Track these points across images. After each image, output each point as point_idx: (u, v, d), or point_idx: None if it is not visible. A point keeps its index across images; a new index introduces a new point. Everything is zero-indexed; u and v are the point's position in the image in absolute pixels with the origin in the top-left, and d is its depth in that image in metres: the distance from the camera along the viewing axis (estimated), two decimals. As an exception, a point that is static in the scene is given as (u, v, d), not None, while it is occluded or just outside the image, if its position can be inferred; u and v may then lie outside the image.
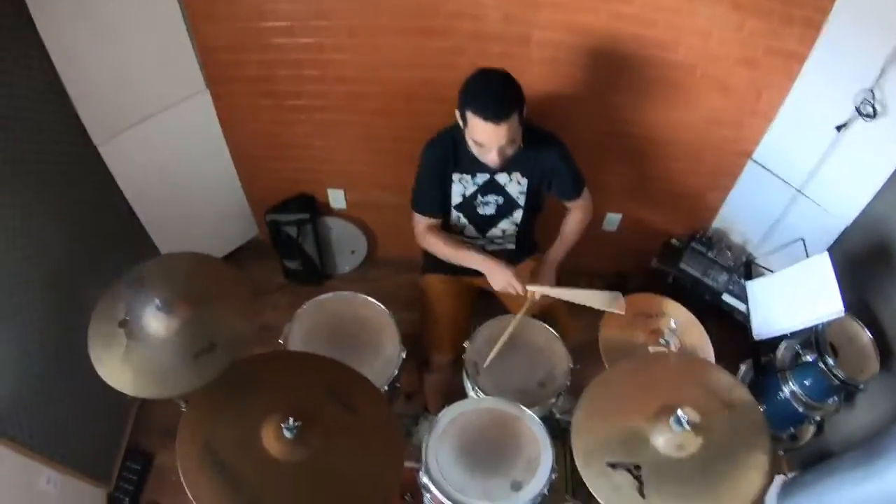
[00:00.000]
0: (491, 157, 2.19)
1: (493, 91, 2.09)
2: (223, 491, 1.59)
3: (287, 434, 1.65)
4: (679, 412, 1.70)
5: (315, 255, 3.51)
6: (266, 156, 3.21)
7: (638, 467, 1.70)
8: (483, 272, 2.40)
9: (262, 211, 3.40)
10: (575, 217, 2.59)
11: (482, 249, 2.54)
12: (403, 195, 2.92)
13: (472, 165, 2.36)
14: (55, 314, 2.43)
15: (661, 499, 1.68)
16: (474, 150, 2.22)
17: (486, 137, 2.11)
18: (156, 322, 1.83)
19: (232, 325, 1.89)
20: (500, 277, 2.35)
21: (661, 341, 2.35)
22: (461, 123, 2.19)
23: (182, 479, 1.59)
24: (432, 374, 2.65)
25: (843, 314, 2.27)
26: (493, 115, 2.05)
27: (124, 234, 2.92)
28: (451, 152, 2.34)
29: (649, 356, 2.31)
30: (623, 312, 2.27)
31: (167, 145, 2.87)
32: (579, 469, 1.77)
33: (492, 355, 2.30)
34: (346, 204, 3.45)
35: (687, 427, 1.69)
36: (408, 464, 2.01)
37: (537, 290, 2.34)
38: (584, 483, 2.75)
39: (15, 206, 2.21)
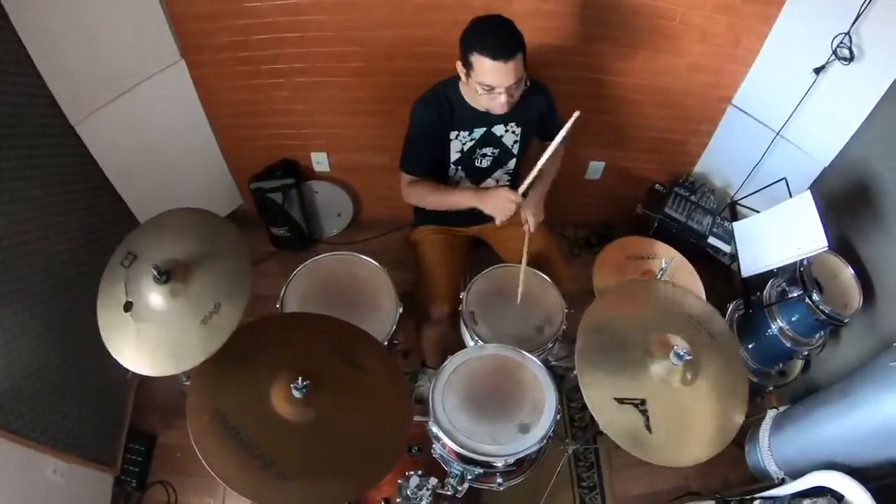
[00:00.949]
0: (500, 102, 2.17)
1: (498, 31, 2.09)
2: (236, 456, 1.61)
3: (296, 394, 1.67)
4: (676, 346, 1.77)
5: (301, 220, 3.51)
6: (246, 123, 3.18)
7: (643, 402, 1.76)
8: (478, 206, 2.38)
9: (245, 180, 3.38)
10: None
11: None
12: (387, 155, 2.93)
13: (468, 121, 2.35)
14: (47, 301, 2.41)
15: (664, 430, 1.75)
16: (481, 98, 2.21)
17: (496, 77, 2.10)
18: (157, 295, 1.78)
19: (231, 278, 1.84)
20: (494, 204, 2.32)
21: (654, 281, 2.41)
22: (464, 72, 2.18)
23: (195, 448, 1.61)
24: (430, 327, 2.66)
25: (826, 249, 2.34)
26: (502, 53, 2.05)
27: (109, 213, 2.88)
28: (445, 111, 2.33)
29: (637, 283, 2.39)
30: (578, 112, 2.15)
31: (145, 120, 2.83)
32: (590, 408, 1.81)
33: (519, 295, 2.36)
34: (329, 167, 3.44)
35: (687, 358, 1.76)
36: (414, 418, 2.03)
37: (523, 188, 2.30)
38: (582, 428, 2.84)
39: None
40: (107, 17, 2.46)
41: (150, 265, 1.75)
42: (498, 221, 2.35)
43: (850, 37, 2.44)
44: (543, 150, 2.28)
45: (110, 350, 1.78)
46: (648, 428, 1.74)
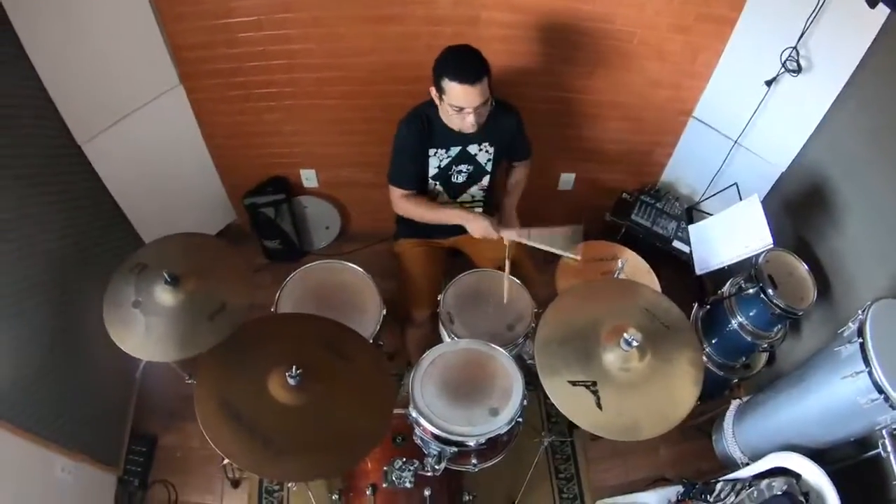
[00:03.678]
0: (469, 121, 2.37)
1: (464, 58, 2.30)
2: (240, 436, 1.81)
3: (291, 381, 1.87)
4: (626, 334, 1.94)
5: (293, 234, 3.66)
6: (240, 144, 3.32)
7: (594, 383, 1.95)
8: (462, 224, 2.58)
9: (238, 196, 3.52)
10: (521, 170, 2.85)
11: (454, 203, 2.76)
12: (372, 171, 3.06)
13: (446, 140, 2.55)
14: (54, 310, 2.52)
15: (615, 409, 1.93)
16: (452, 118, 2.40)
17: (465, 99, 2.30)
18: (166, 295, 2.01)
19: (235, 287, 2.08)
20: (478, 226, 2.53)
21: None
22: (437, 96, 2.38)
23: (203, 432, 1.80)
24: (413, 329, 2.85)
25: (771, 246, 2.51)
26: (469, 77, 2.26)
27: (111, 227, 3.00)
28: (425, 129, 2.51)
29: (596, 282, 2.55)
30: (580, 257, 2.50)
31: (146, 140, 2.95)
32: (544, 385, 2.00)
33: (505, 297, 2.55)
34: (318, 183, 3.59)
35: (635, 344, 1.94)
36: (397, 411, 2.21)
37: (508, 235, 2.52)
38: (557, 421, 2.99)
39: (8, 208, 2.28)
40: (113, 46, 2.60)
41: (161, 271, 1.97)
42: (477, 236, 2.55)
43: (797, 50, 2.59)
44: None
45: (115, 340, 1.99)
46: (599, 406, 1.92)
